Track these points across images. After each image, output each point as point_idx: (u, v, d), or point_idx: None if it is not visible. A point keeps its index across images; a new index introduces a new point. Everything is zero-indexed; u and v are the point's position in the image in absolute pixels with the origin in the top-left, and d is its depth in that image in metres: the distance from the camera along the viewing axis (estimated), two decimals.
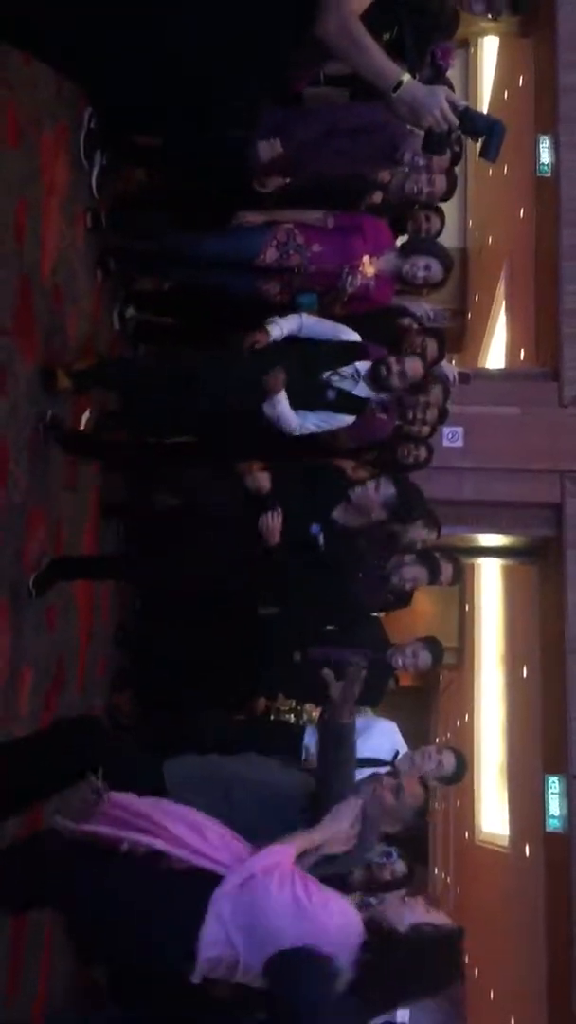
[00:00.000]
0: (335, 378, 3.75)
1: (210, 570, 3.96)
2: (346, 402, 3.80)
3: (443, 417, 4.29)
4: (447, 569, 4.33)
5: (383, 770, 3.03)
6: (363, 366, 3.80)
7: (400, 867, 3.58)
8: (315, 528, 3.75)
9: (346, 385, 3.77)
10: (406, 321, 4.20)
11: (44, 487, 3.39)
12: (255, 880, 2.25)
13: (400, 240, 4.33)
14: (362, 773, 2.94)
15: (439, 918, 2.34)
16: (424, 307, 4.48)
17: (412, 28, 2.43)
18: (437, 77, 3.91)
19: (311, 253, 3.84)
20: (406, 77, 2.34)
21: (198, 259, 3.88)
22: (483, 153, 2.49)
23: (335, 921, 2.23)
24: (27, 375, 3.13)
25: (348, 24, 2.23)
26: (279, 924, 2.20)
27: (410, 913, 2.31)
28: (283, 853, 2.32)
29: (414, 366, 3.86)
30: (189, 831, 2.36)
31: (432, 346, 4.14)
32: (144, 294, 4.63)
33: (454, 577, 4.44)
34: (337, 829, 2.51)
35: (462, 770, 3.78)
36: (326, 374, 3.76)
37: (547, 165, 7.19)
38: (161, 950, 2.29)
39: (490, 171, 10.29)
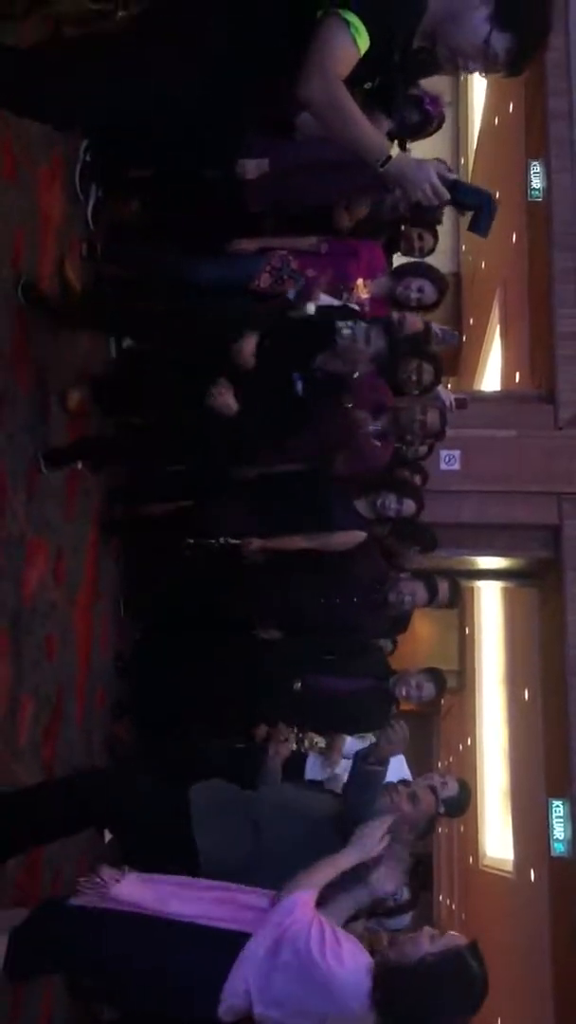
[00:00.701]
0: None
1: (209, 591, 3.98)
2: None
3: (439, 437, 4.30)
4: (443, 587, 4.32)
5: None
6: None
7: (405, 899, 3.58)
8: (296, 376, 3.68)
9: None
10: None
11: (43, 517, 3.39)
12: (278, 945, 2.30)
13: (396, 261, 4.37)
14: None
15: (446, 942, 2.34)
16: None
17: (400, 74, 2.32)
18: (425, 122, 3.97)
19: (305, 279, 3.87)
20: (395, 152, 2.27)
21: (193, 286, 3.91)
22: (473, 228, 2.40)
23: (347, 969, 2.27)
24: (24, 404, 3.14)
25: (332, 90, 2.11)
26: (297, 989, 2.29)
27: (417, 947, 2.32)
28: (303, 904, 2.35)
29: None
30: (207, 906, 2.40)
31: (428, 371, 4.17)
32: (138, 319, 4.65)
33: (451, 596, 4.42)
34: (364, 854, 2.53)
35: (466, 797, 3.76)
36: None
37: (538, 190, 7.26)
38: (180, 1005, 2.35)
39: None
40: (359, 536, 4.17)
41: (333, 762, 4.21)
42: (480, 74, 2.40)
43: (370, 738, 5.29)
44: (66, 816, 2.78)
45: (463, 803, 3.68)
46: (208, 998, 2.31)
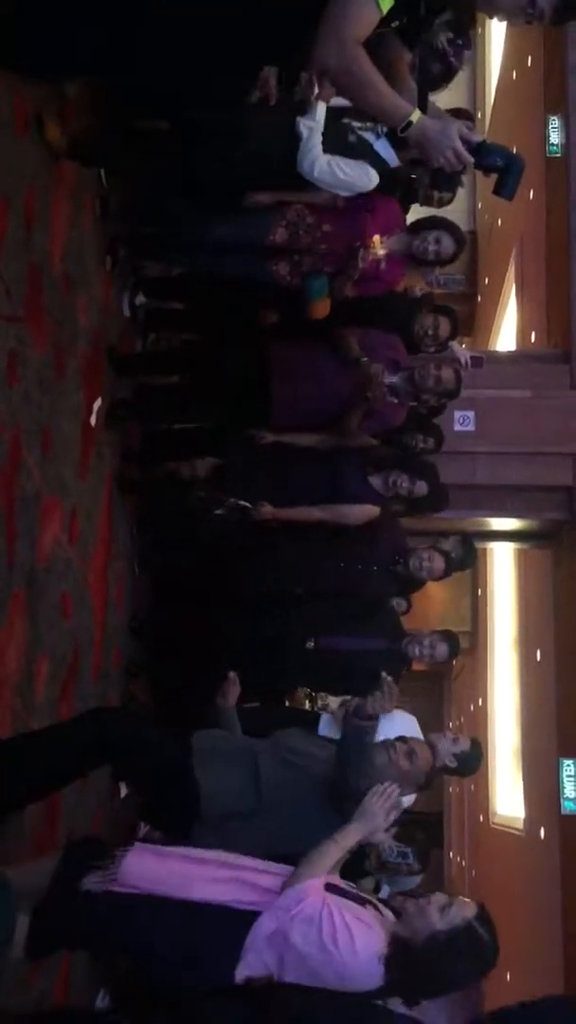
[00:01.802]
0: (356, 124, 3.56)
1: (227, 555, 3.99)
2: (367, 151, 3.60)
3: (453, 396, 4.27)
4: (458, 550, 4.34)
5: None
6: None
7: (415, 867, 3.65)
8: None
9: (368, 137, 3.57)
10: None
11: (58, 476, 3.39)
12: (287, 926, 2.33)
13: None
14: None
15: (454, 915, 2.37)
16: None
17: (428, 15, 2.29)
18: (448, 74, 3.87)
19: (321, 233, 3.81)
20: (416, 116, 2.18)
21: (208, 242, 3.86)
22: (497, 190, 2.33)
23: (360, 959, 2.32)
24: (38, 363, 3.13)
25: (349, 53, 2.02)
26: (310, 971, 2.33)
27: (426, 921, 2.35)
28: (314, 893, 2.37)
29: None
30: (222, 888, 2.44)
31: (444, 325, 4.12)
32: (153, 280, 4.62)
33: (466, 556, 4.44)
34: (371, 828, 2.55)
35: (477, 755, 3.78)
36: (346, 119, 3.56)
37: (557, 146, 7.13)
38: (196, 977, 2.39)
39: None
40: (373, 511, 4.17)
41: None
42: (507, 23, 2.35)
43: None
44: (81, 752, 2.80)
45: (475, 761, 3.71)
46: (223, 974, 2.35)
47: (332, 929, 2.31)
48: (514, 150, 2.56)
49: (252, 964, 2.34)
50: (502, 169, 2.29)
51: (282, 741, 3.05)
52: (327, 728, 4.23)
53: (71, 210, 3.40)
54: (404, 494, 4.20)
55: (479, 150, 2.26)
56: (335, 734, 4.10)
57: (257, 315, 4.37)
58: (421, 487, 4.21)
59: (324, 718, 4.33)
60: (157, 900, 2.41)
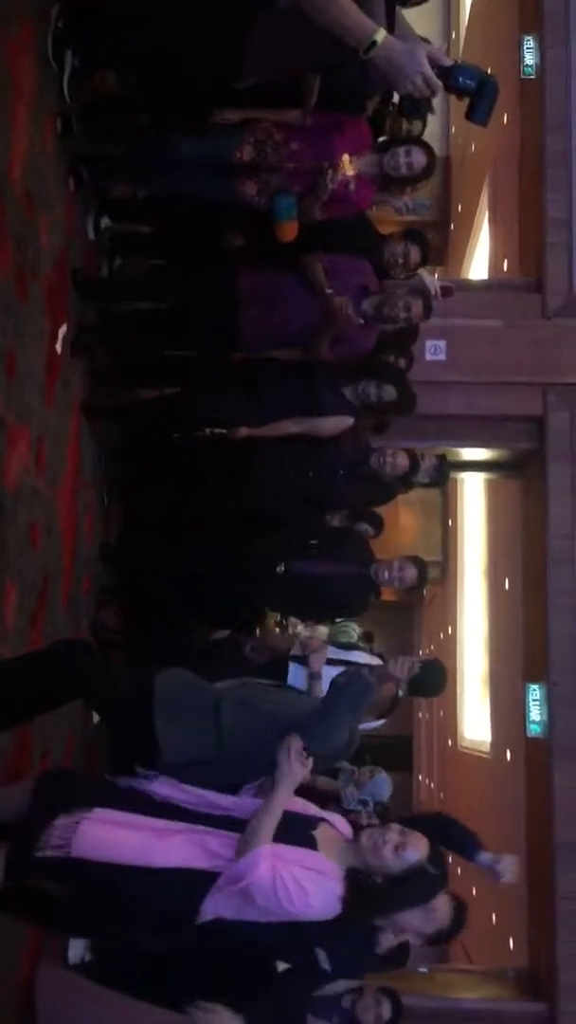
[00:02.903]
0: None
1: (199, 479, 4.00)
2: None
3: (427, 313, 4.25)
4: (428, 461, 4.39)
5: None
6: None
7: (374, 817, 3.78)
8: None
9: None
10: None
11: (24, 403, 3.35)
12: (244, 892, 2.45)
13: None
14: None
15: (408, 856, 2.50)
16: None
17: None
18: None
19: (289, 151, 3.72)
20: (380, 36, 2.01)
21: (174, 162, 3.76)
22: (470, 115, 2.19)
23: (316, 908, 2.48)
24: (1, 285, 3.06)
25: None
26: (270, 914, 2.50)
27: (381, 862, 2.50)
28: (264, 859, 2.45)
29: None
30: (179, 851, 2.52)
31: (415, 251, 4.07)
32: (118, 202, 4.52)
33: (439, 474, 4.50)
34: (293, 783, 2.60)
35: (433, 678, 3.85)
36: None
37: (532, 67, 6.97)
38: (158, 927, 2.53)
39: None
40: (347, 422, 4.18)
41: (315, 671, 4.25)
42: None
43: (353, 629, 5.40)
44: (51, 686, 2.82)
45: (431, 683, 3.79)
46: (181, 923, 2.50)
47: (287, 892, 2.44)
48: (489, 72, 2.45)
49: (208, 914, 2.48)
50: (474, 92, 2.16)
51: (245, 686, 3.06)
52: (296, 678, 4.25)
53: (30, 126, 3.30)
54: (373, 400, 4.20)
55: (450, 72, 2.11)
56: (302, 684, 4.13)
57: (223, 239, 4.30)
58: (389, 391, 4.22)
59: (293, 668, 4.34)
60: (114, 866, 2.47)
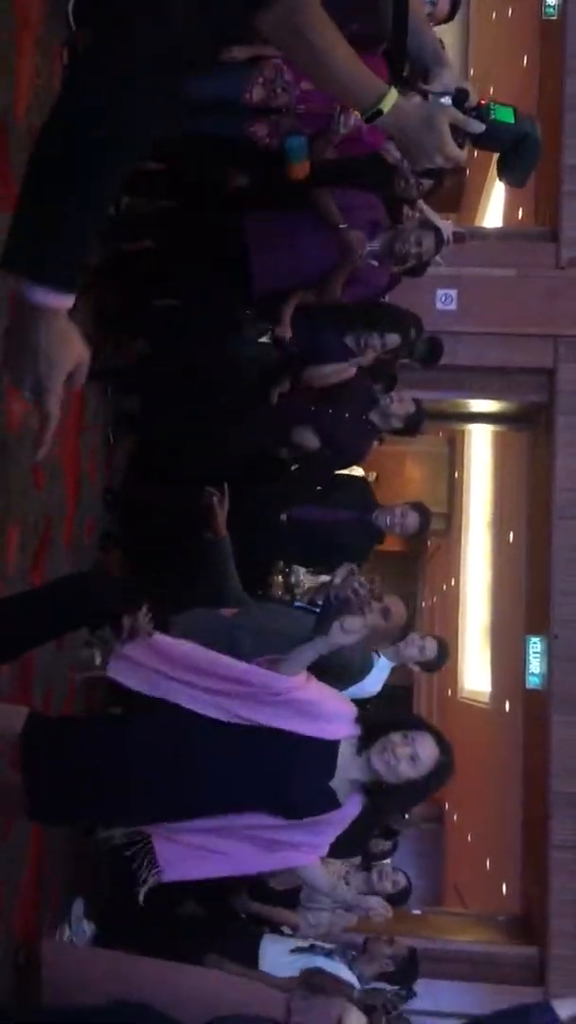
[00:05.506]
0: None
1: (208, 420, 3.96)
2: None
3: (438, 247, 4.19)
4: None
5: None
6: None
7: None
8: None
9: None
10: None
11: None
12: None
13: None
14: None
15: (425, 762, 2.56)
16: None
17: None
18: None
19: (300, 91, 3.61)
20: (387, 103, 1.58)
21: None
22: (502, 174, 1.91)
23: (333, 708, 2.58)
24: (3, 223, 3.00)
25: (293, 14, 1.38)
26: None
27: (400, 774, 2.53)
28: (295, 682, 2.53)
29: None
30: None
31: (425, 183, 4.00)
32: None
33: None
34: (345, 640, 2.62)
35: (444, 657, 3.97)
36: None
37: (553, 7, 6.78)
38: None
39: (493, 15, 9.74)
40: (350, 371, 4.14)
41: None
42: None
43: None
44: (63, 606, 2.82)
45: (441, 661, 3.92)
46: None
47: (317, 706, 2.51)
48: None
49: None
50: (509, 149, 1.87)
51: (260, 612, 3.07)
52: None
53: (37, 58, 3.21)
54: (377, 350, 4.14)
55: (480, 137, 1.78)
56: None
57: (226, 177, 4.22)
58: (393, 340, 4.16)
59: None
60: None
